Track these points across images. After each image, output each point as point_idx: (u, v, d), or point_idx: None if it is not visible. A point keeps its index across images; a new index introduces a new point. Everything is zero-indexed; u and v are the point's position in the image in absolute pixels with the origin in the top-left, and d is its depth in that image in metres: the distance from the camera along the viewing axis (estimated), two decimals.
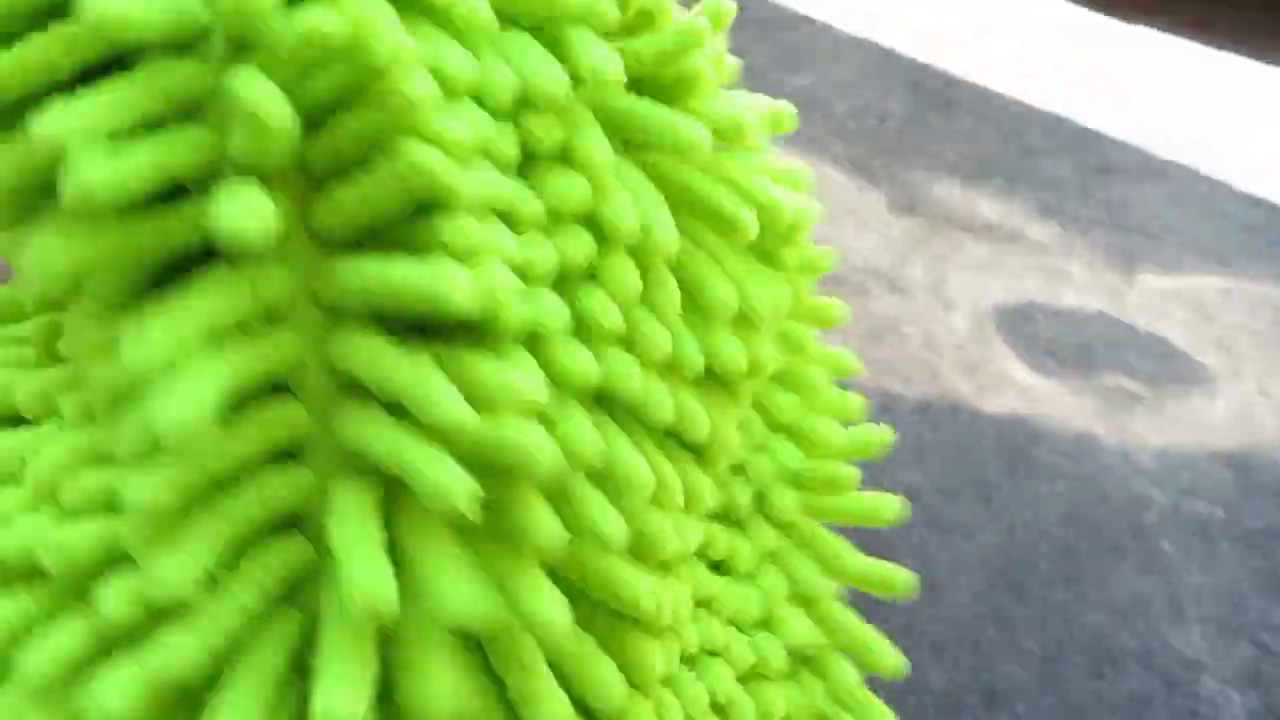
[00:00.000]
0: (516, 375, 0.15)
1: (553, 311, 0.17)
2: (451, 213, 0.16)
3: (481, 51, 0.18)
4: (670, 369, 0.20)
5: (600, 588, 0.18)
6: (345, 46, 0.14)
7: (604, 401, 0.19)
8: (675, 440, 0.21)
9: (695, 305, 0.20)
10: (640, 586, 0.18)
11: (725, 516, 0.24)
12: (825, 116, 2.35)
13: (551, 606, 0.16)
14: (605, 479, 0.18)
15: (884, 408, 1.15)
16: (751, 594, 0.23)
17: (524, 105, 0.18)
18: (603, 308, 0.18)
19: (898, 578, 0.24)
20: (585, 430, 0.17)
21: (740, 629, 0.23)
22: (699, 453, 0.21)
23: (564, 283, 0.18)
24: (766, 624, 0.24)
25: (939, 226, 1.97)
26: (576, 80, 0.18)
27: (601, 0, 0.19)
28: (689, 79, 0.20)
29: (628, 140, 0.20)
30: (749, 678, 0.23)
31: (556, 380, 0.17)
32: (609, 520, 0.17)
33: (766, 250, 0.22)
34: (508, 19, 0.19)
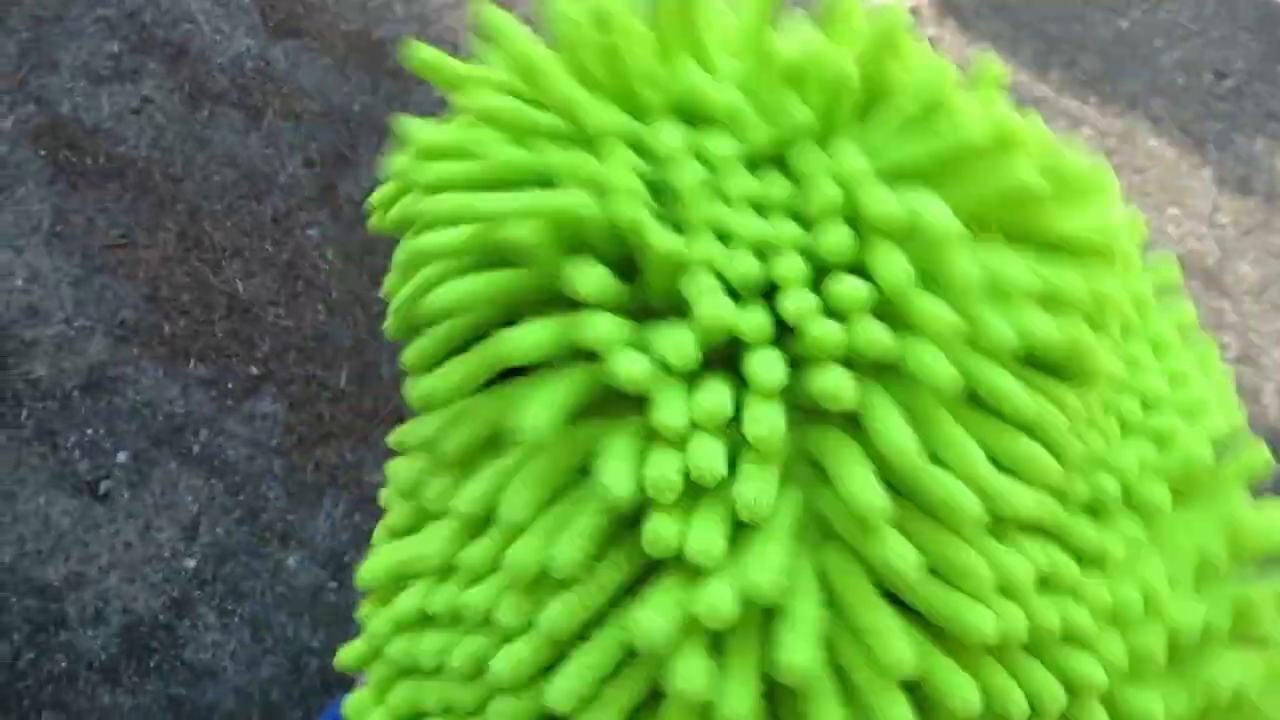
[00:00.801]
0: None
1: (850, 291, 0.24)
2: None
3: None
4: (974, 346, 0.23)
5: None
6: None
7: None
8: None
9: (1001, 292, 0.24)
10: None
11: (1092, 510, 0.27)
12: (1148, 68, 2.07)
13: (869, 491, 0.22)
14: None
15: None
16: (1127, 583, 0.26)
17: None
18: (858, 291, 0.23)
19: None
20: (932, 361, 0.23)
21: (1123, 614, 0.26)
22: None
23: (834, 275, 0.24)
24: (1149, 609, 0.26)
25: (1279, 211, 1.67)
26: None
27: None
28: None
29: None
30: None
31: (859, 352, 0.23)
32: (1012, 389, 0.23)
33: (1071, 240, 0.25)
34: None
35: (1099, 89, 1.78)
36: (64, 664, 1.18)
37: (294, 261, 1.54)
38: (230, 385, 1.41)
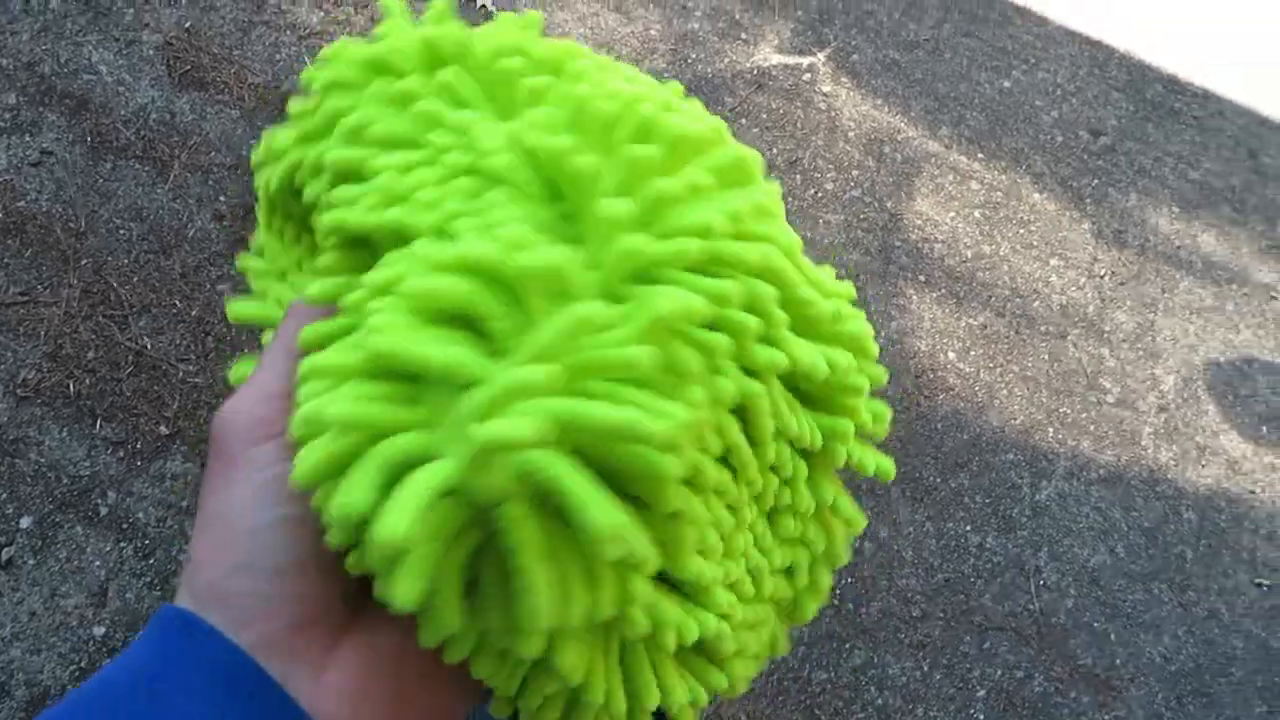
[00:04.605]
0: None
1: None
2: None
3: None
4: None
5: None
6: None
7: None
8: None
9: None
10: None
11: None
12: (1030, 125, 2.20)
13: None
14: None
15: (1069, 473, 1.08)
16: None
17: None
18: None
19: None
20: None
21: None
22: None
23: None
24: None
25: (1151, 262, 1.81)
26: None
27: None
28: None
29: None
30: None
31: None
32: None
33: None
34: None
35: (985, 145, 1.88)
36: None
37: (204, 317, 1.51)
38: (139, 445, 1.38)
